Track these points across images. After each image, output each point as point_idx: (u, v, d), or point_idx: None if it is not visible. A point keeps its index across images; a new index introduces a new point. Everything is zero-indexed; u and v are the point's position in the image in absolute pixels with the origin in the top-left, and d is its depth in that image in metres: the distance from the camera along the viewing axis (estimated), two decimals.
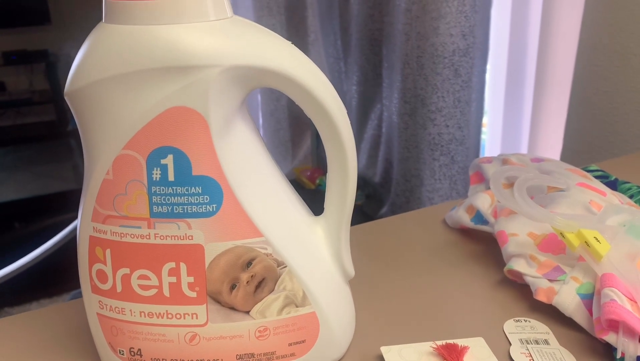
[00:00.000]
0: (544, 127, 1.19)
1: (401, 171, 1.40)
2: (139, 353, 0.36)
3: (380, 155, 1.52)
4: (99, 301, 0.36)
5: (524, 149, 1.26)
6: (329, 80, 0.35)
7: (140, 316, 0.35)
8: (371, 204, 1.63)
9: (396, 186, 1.44)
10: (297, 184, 1.79)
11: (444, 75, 1.21)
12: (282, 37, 0.34)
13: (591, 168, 0.66)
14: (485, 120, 1.32)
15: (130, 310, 0.35)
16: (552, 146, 1.17)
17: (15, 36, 2.81)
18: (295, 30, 1.73)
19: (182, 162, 0.32)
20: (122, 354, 0.37)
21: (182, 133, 0.32)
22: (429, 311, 0.46)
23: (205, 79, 0.32)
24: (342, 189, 0.37)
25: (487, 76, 1.25)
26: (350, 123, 0.36)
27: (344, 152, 0.36)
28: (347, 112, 0.36)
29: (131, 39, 0.31)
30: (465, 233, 0.57)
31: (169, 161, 0.32)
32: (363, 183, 1.66)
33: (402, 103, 1.33)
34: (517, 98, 1.25)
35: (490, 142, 1.35)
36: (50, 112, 2.91)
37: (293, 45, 0.34)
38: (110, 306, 0.35)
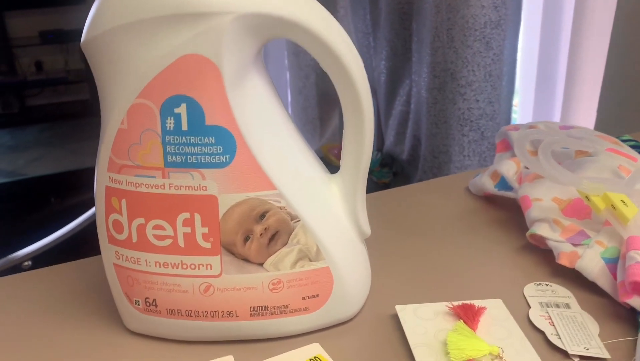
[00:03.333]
0: (577, 101, 1.15)
1: (429, 148, 1.39)
2: (154, 303, 0.37)
3: (409, 132, 1.51)
4: (116, 251, 0.36)
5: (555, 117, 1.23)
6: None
7: (156, 266, 0.35)
8: (398, 181, 1.61)
9: (424, 163, 1.43)
10: (325, 162, 1.78)
11: (475, 48, 1.18)
12: None
13: (624, 138, 0.64)
14: (516, 95, 1.29)
15: (146, 260, 0.36)
16: (585, 121, 1.13)
17: (52, 16, 2.86)
18: (324, 5, 1.71)
19: (195, 111, 0.32)
20: (138, 304, 0.37)
21: (195, 82, 0.32)
22: (448, 274, 0.45)
23: (218, 26, 0.31)
24: (358, 145, 0.37)
25: (519, 49, 1.22)
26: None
27: (360, 105, 0.35)
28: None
29: None
30: (488, 200, 0.56)
31: (182, 110, 0.32)
32: (391, 160, 1.64)
33: (432, 77, 1.30)
34: (550, 71, 1.22)
35: (522, 118, 1.32)
36: (84, 91, 2.97)
37: None
38: (126, 257, 0.36)
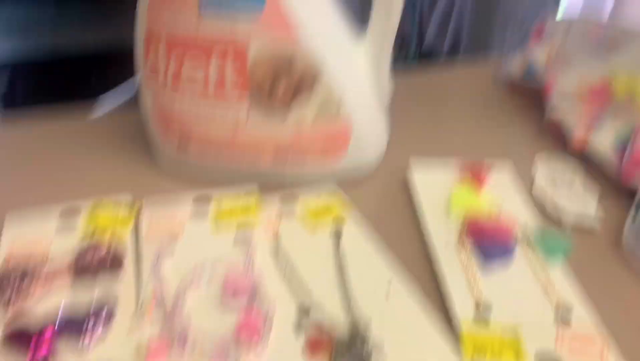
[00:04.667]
0: None
1: (469, 46, 1.35)
2: (186, 145, 0.40)
3: (451, 26, 1.46)
4: (152, 95, 0.39)
5: (607, 8, 1.16)
6: None
7: (188, 109, 0.38)
8: None
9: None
10: None
11: None
12: None
13: None
14: None
15: (180, 104, 0.38)
16: None
17: None
18: None
19: None
20: (172, 146, 0.40)
21: None
22: (462, 143, 0.48)
23: None
24: (387, 6, 0.38)
25: None
26: None
27: None
28: None
29: None
30: (515, 88, 0.57)
31: None
32: (430, 55, 1.61)
33: None
34: None
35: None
36: None
37: None
38: (162, 100, 0.39)
